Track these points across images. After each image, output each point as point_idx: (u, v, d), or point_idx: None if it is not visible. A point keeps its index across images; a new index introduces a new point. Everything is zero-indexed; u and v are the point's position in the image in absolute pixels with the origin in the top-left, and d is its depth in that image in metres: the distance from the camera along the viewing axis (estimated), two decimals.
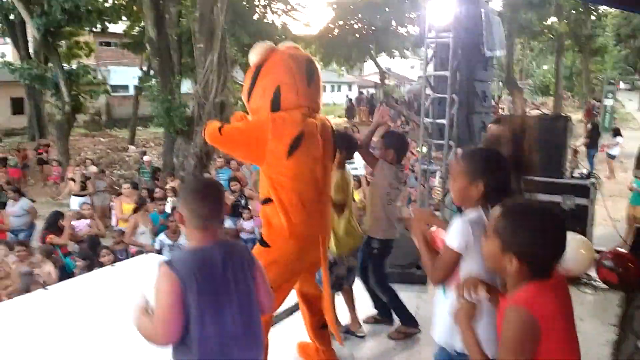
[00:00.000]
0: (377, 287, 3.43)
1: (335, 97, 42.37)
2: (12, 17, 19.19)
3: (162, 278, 1.70)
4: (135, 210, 7.06)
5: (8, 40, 24.77)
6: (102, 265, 5.72)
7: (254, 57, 2.74)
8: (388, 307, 3.55)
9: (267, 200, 2.64)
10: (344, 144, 3.25)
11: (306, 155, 2.63)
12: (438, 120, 5.80)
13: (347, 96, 32.68)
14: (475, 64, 5.89)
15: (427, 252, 1.99)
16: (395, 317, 3.54)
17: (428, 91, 5.91)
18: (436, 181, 6.13)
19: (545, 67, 40.61)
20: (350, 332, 3.40)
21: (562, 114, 7.99)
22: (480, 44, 5.74)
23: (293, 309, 3.37)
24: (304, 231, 2.62)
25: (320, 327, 3.01)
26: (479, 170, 1.95)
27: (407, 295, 3.79)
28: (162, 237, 6.63)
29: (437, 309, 2.05)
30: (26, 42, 19.86)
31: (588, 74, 30.89)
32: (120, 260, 5.69)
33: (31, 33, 17.65)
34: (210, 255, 1.77)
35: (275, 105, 2.65)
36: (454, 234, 1.91)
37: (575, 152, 11.82)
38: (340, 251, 3.24)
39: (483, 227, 1.88)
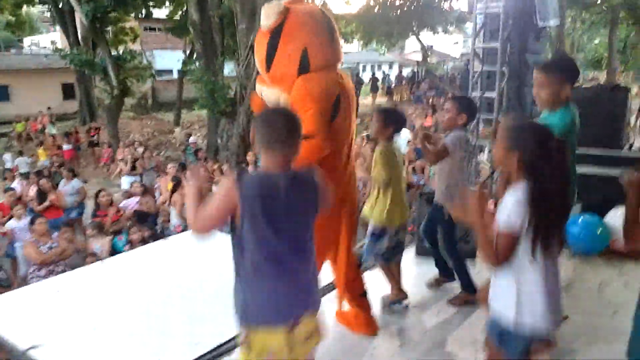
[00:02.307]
0: (445, 252, 3.41)
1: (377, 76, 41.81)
2: (60, 5, 19.87)
3: (226, 186, 1.80)
4: (174, 189, 7.20)
5: (57, 28, 25.75)
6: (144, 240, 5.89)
7: (268, 21, 2.53)
8: (450, 269, 3.52)
9: None
10: (391, 119, 3.19)
11: (343, 118, 2.58)
12: (487, 94, 5.64)
13: (373, 73, 31.93)
14: (527, 35, 5.67)
15: (483, 234, 1.91)
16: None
17: (476, 64, 5.73)
18: (485, 157, 5.97)
19: (597, 40, 38.65)
20: (395, 301, 3.38)
21: (620, 84, 7.58)
22: (532, 14, 5.50)
23: (333, 285, 3.38)
24: (336, 196, 2.46)
25: (359, 294, 3.02)
26: (514, 141, 1.89)
27: (432, 268, 3.76)
28: None
29: (494, 281, 2.01)
30: (75, 29, 20.54)
31: None
32: (165, 236, 5.86)
33: (79, 20, 18.23)
34: (275, 182, 1.81)
35: (304, 69, 2.53)
36: (506, 214, 1.85)
37: (628, 125, 11.26)
38: (388, 223, 3.22)
39: (528, 200, 1.82)
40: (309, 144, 2.35)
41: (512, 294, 1.90)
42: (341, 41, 2.80)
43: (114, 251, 5.72)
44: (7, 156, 13.37)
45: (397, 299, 3.36)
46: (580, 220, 4.22)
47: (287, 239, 1.84)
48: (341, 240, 2.87)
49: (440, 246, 3.44)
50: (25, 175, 9.31)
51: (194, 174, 1.93)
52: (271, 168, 1.84)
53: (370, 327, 3.04)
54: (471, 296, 3.35)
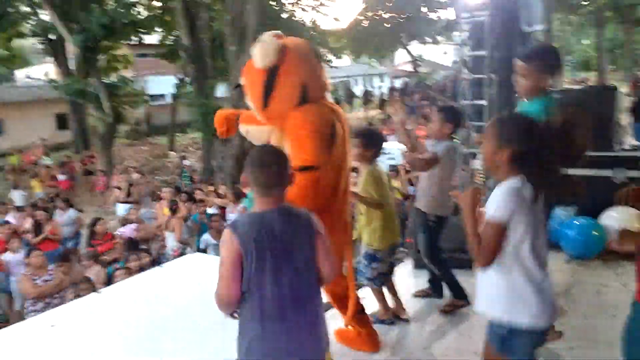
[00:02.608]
0: (428, 260, 3.38)
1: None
2: (51, 36, 19.99)
3: (225, 240, 1.82)
4: (172, 213, 7.19)
5: (49, 59, 25.90)
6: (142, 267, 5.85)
7: (265, 60, 2.44)
8: (439, 281, 3.49)
9: None
10: (371, 141, 3.15)
11: (339, 147, 2.56)
12: (476, 102, 5.64)
13: (365, 87, 32.23)
14: (513, 41, 5.69)
15: (473, 231, 1.88)
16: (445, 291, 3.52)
17: (465, 73, 5.75)
18: (478, 164, 5.96)
19: (585, 41, 39.04)
20: (384, 321, 3.33)
21: (609, 85, 7.62)
22: (518, 20, 5.54)
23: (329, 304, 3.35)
24: (331, 222, 2.40)
25: (357, 312, 2.96)
26: (505, 137, 1.85)
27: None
28: (206, 236, 6.74)
29: (481, 281, 1.96)
30: (66, 59, 20.64)
31: (631, 45, 29.45)
32: (162, 262, 5.81)
33: (71, 50, 18.33)
34: (270, 220, 1.82)
35: (302, 104, 2.51)
36: (495, 204, 1.82)
37: (619, 125, 11.28)
38: (381, 246, 3.18)
39: (523, 197, 1.80)
40: (311, 175, 2.35)
41: (503, 294, 1.87)
42: (331, 58, 2.84)
43: (109, 280, 5.66)
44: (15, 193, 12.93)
45: (385, 319, 3.32)
46: (575, 223, 4.20)
47: (288, 281, 1.82)
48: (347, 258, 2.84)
49: (422, 254, 3.42)
50: (19, 208, 9.27)
51: None
52: (264, 206, 1.86)
53: (373, 343, 2.99)
54: (461, 302, 3.33)
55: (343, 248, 2.78)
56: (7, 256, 6.37)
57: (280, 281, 1.80)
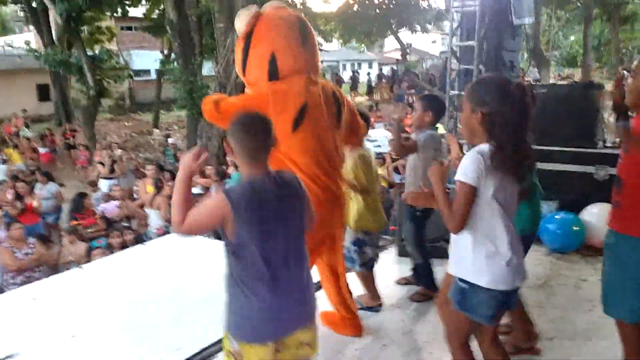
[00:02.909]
0: (412, 248, 3.43)
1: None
2: (34, 4, 19.44)
3: (215, 200, 1.81)
4: (157, 191, 7.13)
5: (31, 28, 25.17)
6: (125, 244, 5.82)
7: (240, 25, 2.56)
8: (432, 278, 3.52)
9: None
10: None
11: (312, 127, 2.54)
12: (464, 92, 5.69)
13: (353, 72, 32.11)
14: (503, 33, 5.72)
15: (444, 199, 1.91)
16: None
17: (454, 63, 5.78)
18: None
19: (572, 37, 39.37)
20: (372, 308, 3.38)
21: (594, 82, 7.73)
22: (508, 12, 5.57)
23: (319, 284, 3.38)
24: (318, 205, 2.43)
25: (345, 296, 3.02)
26: (478, 99, 1.84)
27: (435, 269, 3.78)
28: None
29: (453, 243, 2.01)
30: (49, 28, 20.08)
31: (617, 44, 29.80)
32: (144, 240, 5.80)
33: (54, 19, 17.86)
34: (261, 186, 1.82)
35: (273, 74, 2.53)
36: (465, 168, 1.83)
37: (603, 122, 11.48)
38: (369, 230, 3.24)
39: (489, 159, 1.81)
40: (210, 106, 2.53)
41: (468, 255, 1.91)
42: (321, 41, 2.82)
43: (89, 256, 5.62)
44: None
45: (374, 305, 3.36)
46: (556, 217, 4.29)
47: (280, 246, 1.84)
48: (330, 244, 2.85)
49: (407, 242, 3.47)
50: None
51: (193, 157, 1.86)
52: (254, 173, 1.84)
53: (355, 328, 3.04)
54: (431, 292, 3.40)
55: (334, 229, 2.80)
56: None
57: (274, 246, 1.82)
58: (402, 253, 4.14)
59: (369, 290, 3.36)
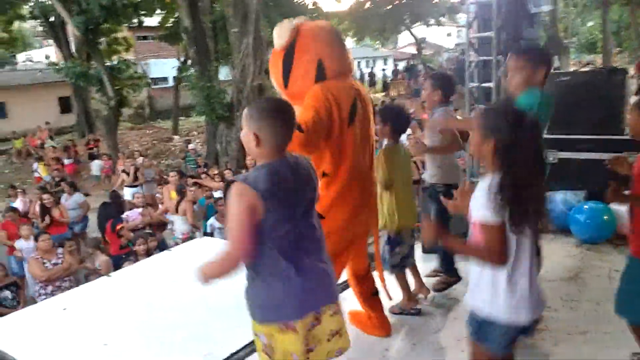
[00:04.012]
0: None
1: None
2: (52, 19, 19.85)
3: (238, 194, 1.74)
4: (181, 197, 7.21)
5: (51, 42, 25.73)
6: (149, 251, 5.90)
7: (281, 39, 2.61)
8: (451, 260, 3.44)
9: (323, 175, 2.57)
10: (392, 117, 3.16)
11: (362, 122, 2.62)
12: (484, 84, 5.60)
13: (371, 69, 32.03)
14: (520, 22, 5.63)
15: (467, 248, 1.87)
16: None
17: (471, 55, 5.70)
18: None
19: (590, 23, 38.56)
20: (406, 311, 3.33)
21: (617, 67, 7.54)
22: (525, 1, 5.48)
23: (346, 284, 3.36)
24: (357, 199, 2.62)
25: (371, 295, 3.01)
26: (490, 126, 1.79)
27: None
28: (212, 221, 6.76)
29: (472, 274, 1.96)
30: (67, 42, 20.51)
31: (637, 27, 29.05)
32: (169, 246, 5.87)
33: (72, 32, 18.20)
34: (280, 170, 1.82)
35: (321, 79, 2.58)
36: (485, 207, 1.76)
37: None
38: (400, 228, 3.18)
39: (501, 194, 1.74)
40: (295, 135, 2.39)
41: (485, 285, 1.86)
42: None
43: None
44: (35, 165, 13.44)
45: (409, 308, 3.30)
46: (585, 207, 4.20)
47: (300, 226, 1.85)
48: (359, 242, 2.85)
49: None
50: (24, 192, 9.32)
51: None
52: (272, 157, 1.83)
53: (383, 328, 3.02)
54: (451, 279, 3.36)
55: (367, 227, 2.81)
56: (21, 243, 6.41)
57: (297, 230, 1.83)
58: (426, 250, 4.10)
59: (403, 292, 3.30)
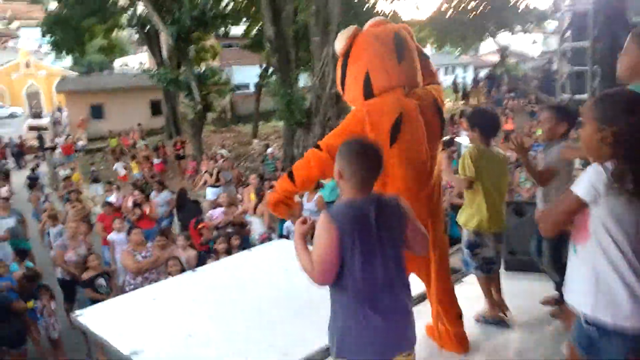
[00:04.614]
0: (549, 266, 3.19)
1: (448, 80, 40.85)
2: (147, 28, 21.30)
3: (323, 226, 1.86)
4: (259, 200, 7.45)
5: (145, 49, 27.55)
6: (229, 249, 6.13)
7: (339, 45, 2.64)
8: None
9: None
10: (480, 121, 3.11)
11: (409, 139, 2.52)
12: (577, 96, 5.34)
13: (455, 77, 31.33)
14: (619, 32, 5.31)
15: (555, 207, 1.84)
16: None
17: (564, 65, 5.46)
18: (576, 163, 5.64)
19: None
20: (490, 320, 3.24)
21: None
22: (624, 9, 5.17)
23: (424, 295, 3.32)
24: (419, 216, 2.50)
25: (455, 318, 2.90)
26: (607, 114, 1.66)
27: (531, 284, 3.58)
28: (288, 223, 6.92)
29: (570, 270, 1.84)
30: (160, 49, 21.90)
31: None
32: (248, 246, 6.07)
33: (164, 40, 19.43)
34: (365, 208, 1.88)
35: (368, 92, 2.56)
36: (582, 182, 1.69)
37: None
38: (482, 229, 3.10)
39: (611, 180, 1.63)
40: (314, 152, 2.56)
41: (589, 287, 1.71)
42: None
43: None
44: (118, 165, 14.59)
45: (490, 316, 3.22)
46: None
47: (380, 268, 1.88)
48: (431, 262, 2.79)
49: (544, 261, 3.21)
50: (119, 188, 10.05)
51: (301, 221, 2.00)
52: (357, 196, 1.91)
53: (461, 345, 2.94)
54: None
55: (433, 242, 2.72)
56: (113, 235, 6.92)
57: (374, 268, 1.86)
58: (509, 267, 3.95)
59: (487, 298, 3.22)
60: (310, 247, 1.94)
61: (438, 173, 2.75)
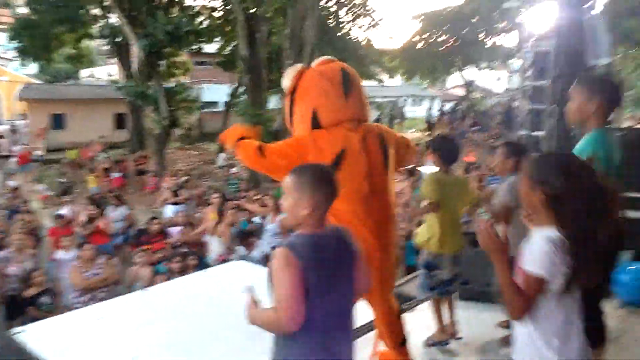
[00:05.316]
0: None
1: (416, 112, 41.75)
2: (118, 39, 21.01)
3: (283, 261, 1.72)
4: (219, 220, 7.30)
5: (114, 60, 27.14)
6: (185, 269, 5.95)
7: (286, 83, 2.69)
8: None
9: None
10: (441, 147, 3.26)
11: (350, 173, 2.53)
12: (534, 133, 5.51)
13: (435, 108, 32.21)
14: (577, 73, 5.53)
15: (507, 277, 1.67)
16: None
17: (524, 103, 5.64)
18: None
19: None
20: (437, 342, 3.24)
21: None
22: (583, 51, 5.40)
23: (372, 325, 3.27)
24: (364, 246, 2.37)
25: (399, 343, 2.85)
26: (538, 175, 1.67)
27: (485, 313, 3.60)
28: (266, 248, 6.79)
29: (516, 333, 1.82)
30: (130, 62, 21.59)
31: None
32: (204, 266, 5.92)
33: (135, 53, 19.18)
34: (327, 240, 1.81)
35: (315, 128, 2.61)
36: (536, 258, 1.63)
37: None
38: (440, 251, 3.15)
39: (562, 249, 1.60)
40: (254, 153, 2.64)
41: (528, 349, 1.72)
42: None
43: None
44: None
45: (439, 340, 3.24)
46: (630, 268, 4.00)
47: (336, 305, 1.82)
48: (375, 286, 2.75)
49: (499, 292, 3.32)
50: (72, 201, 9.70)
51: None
52: (315, 228, 1.81)
53: None
54: None
55: (384, 271, 2.71)
56: (59, 254, 6.49)
57: (330, 305, 1.79)
58: (463, 296, 3.96)
59: (437, 321, 3.24)
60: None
61: (389, 204, 2.73)
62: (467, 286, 3.85)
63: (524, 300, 1.65)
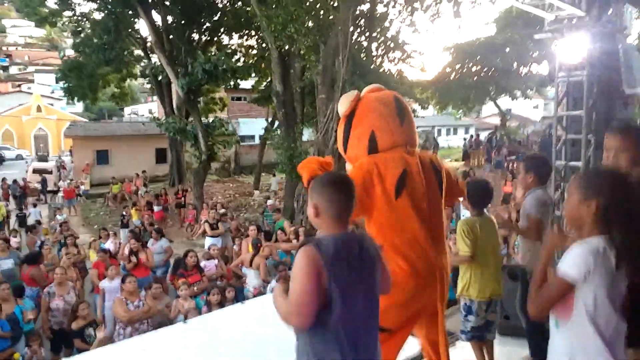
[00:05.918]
0: (519, 309, 3.23)
1: (451, 141, 41.47)
2: (160, 78, 21.98)
3: (305, 260, 1.76)
4: (256, 253, 7.40)
5: (155, 98, 28.28)
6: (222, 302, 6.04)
7: (342, 107, 2.76)
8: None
9: None
10: (469, 192, 3.18)
11: (412, 194, 2.57)
12: (572, 163, 5.44)
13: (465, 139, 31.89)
14: (613, 102, 5.48)
15: (539, 279, 1.81)
16: None
17: (560, 132, 5.59)
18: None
19: None
20: None
21: None
22: (618, 81, 5.35)
23: (417, 358, 3.26)
24: (421, 269, 2.52)
25: None
26: (592, 188, 1.75)
27: (524, 350, 3.50)
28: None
29: (551, 344, 1.85)
30: (170, 99, 22.49)
31: None
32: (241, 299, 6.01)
33: (175, 91, 19.98)
34: (349, 241, 1.85)
35: (372, 149, 2.68)
36: (571, 262, 1.71)
37: None
38: (473, 297, 3.14)
39: (605, 258, 1.68)
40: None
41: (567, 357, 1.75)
42: (416, 108, 2.92)
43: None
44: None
45: None
46: None
47: (360, 307, 1.84)
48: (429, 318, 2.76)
49: (518, 307, 3.29)
50: (115, 234, 10.02)
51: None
52: (331, 228, 1.87)
53: None
54: None
55: (431, 297, 2.69)
56: (105, 283, 6.78)
57: (355, 304, 1.82)
58: (503, 331, 3.90)
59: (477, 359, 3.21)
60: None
61: (443, 228, 2.76)
62: (507, 321, 3.79)
63: (547, 299, 1.77)
